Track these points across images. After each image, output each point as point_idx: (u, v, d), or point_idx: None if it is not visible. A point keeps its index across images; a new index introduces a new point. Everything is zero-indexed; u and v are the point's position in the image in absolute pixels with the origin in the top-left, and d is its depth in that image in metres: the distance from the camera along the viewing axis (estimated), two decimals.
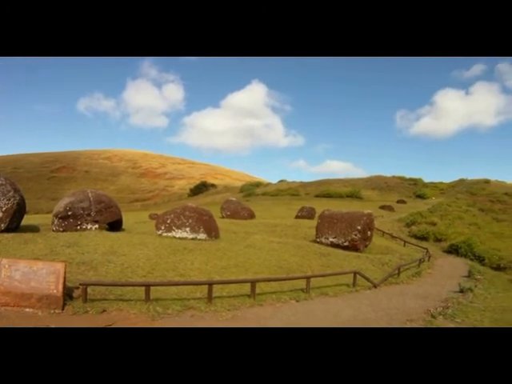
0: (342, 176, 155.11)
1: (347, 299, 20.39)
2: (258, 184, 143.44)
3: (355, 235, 35.40)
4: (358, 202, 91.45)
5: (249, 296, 18.08)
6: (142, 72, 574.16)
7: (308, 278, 20.86)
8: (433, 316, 18.11)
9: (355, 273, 23.96)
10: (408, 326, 16.32)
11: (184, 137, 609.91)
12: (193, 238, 28.12)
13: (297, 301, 18.93)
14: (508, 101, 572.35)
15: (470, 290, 25.35)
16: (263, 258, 25.61)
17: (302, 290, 20.57)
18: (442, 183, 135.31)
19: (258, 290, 18.70)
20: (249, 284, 18.52)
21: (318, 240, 36.68)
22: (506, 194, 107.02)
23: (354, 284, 23.54)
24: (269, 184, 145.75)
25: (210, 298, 16.68)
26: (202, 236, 28.62)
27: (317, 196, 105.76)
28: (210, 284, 17.05)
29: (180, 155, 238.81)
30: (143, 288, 16.09)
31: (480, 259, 43.67)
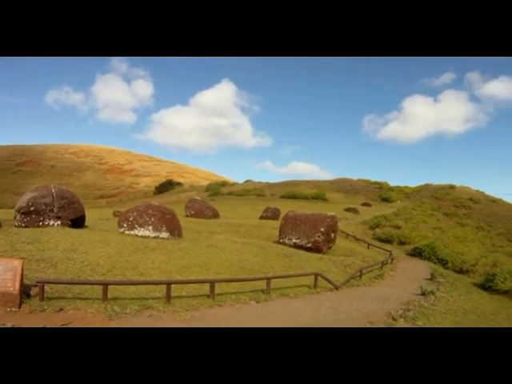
0: (308, 178, 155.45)
1: (308, 301, 20.42)
2: (224, 183, 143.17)
3: (318, 237, 35.46)
4: (323, 204, 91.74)
5: (208, 296, 17.99)
6: (112, 66, 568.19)
7: (268, 279, 20.86)
8: (394, 318, 18.19)
9: (316, 274, 24.02)
10: (368, 327, 16.35)
11: (151, 134, 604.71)
12: (155, 237, 27.87)
13: (257, 302, 18.92)
14: (476, 109, 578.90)
15: (432, 292, 25.58)
16: (225, 258, 25.50)
17: (262, 290, 20.54)
18: (407, 187, 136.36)
19: (218, 291, 18.65)
20: (209, 284, 18.40)
21: (282, 241, 36.69)
22: (470, 199, 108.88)
23: (315, 286, 23.57)
24: (235, 184, 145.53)
25: (168, 297, 16.55)
26: (165, 235, 28.44)
27: (282, 197, 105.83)
28: (169, 284, 16.91)
29: (147, 152, 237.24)
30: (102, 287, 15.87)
31: (443, 262, 44.21)
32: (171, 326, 13.92)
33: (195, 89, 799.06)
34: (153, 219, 28.49)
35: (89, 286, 16.61)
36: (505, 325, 20.08)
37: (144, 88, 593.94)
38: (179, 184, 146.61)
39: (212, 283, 18.22)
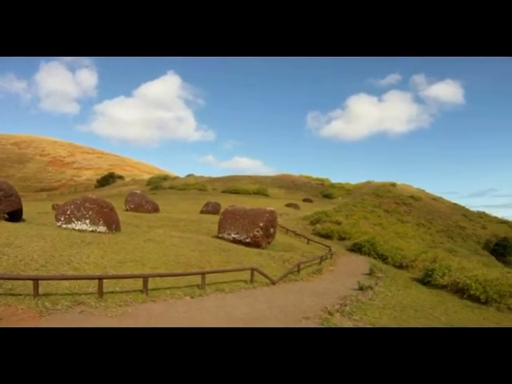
0: (250, 173, 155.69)
1: (243, 296, 20.43)
2: (166, 177, 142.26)
3: (257, 232, 35.53)
4: (264, 200, 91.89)
5: (142, 292, 17.82)
6: None
7: (203, 274, 20.76)
8: (330, 313, 18.30)
9: (252, 269, 24.05)
10: (303, 323, 16.36)
11: (94, 125, 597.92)
12: (92, 231, 27.49)
13: (191, 297, 18.85)
14: (420, 110, 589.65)
15: (370, 287, 25.86)
16: (162, 252, 25.29)
17: (197, 286, 20.47)
18: (349, 184, 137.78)
19: (152, 286, 18.57)
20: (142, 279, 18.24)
21: (221, 236, 36.57)
22: (411, 197, 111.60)
23: (252, 281, 23.60)
24: (176, 178, 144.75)
25: (100, 293, 16.37)
26: (102, 229, 28.07)
27: (224, 192, 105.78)
28: (100, 278, 16.70)
29: (89, 144, 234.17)
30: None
31: (383, 258, 45.02)
32: (102, 321, 13.84)
33: (140, 80, 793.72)
34: (90, 213, 28.05)
35: (21, 282, 16.31)
36: (442, 319, 20.47)
37: (88, 78, 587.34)
38: (121, 177, 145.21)
39: (145, 278, 18.08)
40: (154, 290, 18.46)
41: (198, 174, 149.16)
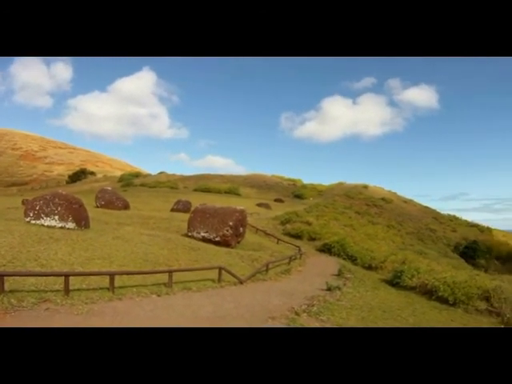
0: (222, 172, 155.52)
1: (210, 295, 20.47)
2: (138, 174, 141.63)
3: (227, 231, 35.51)
4: (235, 199, 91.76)
5: (108, 289, 17.79)
6: None
7: (171, 273, 20.78)
8: (297, 313, 18.40)
9: (220, 268, 24.14)
10: (270, 323, 16.43)
11: (67, 120, 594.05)
12: (61, 227, 27.28)
13: (158, 295, 18.88)
14: (394, 113, 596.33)
15: (338, 288, 25.96)
16: (130, 250, 25.24)
17: (165, 284, 20.52)
18: (321, 185, 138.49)
19: (120, 284, 18.61)
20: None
21: (190, 234, 36.48)
22: (382, 199, 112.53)
23: (220, 280, 23.68)
24: (148, 175, 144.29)
25: (67, 290, 16.36)
26: (71, 225, 27.88)
27: (196, 190, 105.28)
28: (67, 275, 16.69)
29: (62, 139, 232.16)
30: None
31: (352, 259, 45.07)
32: (68, 319, 13.84)
33: (115, 75, 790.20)
34: (59, 208, 27.86)
35: None
36: (410, 320, 20.66)
37: (63, 71, 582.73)
38: (92, 173, 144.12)
39: (112, 276, 18.07)
40: (120, 287, 18.48)
41: (170, 171, 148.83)
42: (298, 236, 54.41)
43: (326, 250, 48.04)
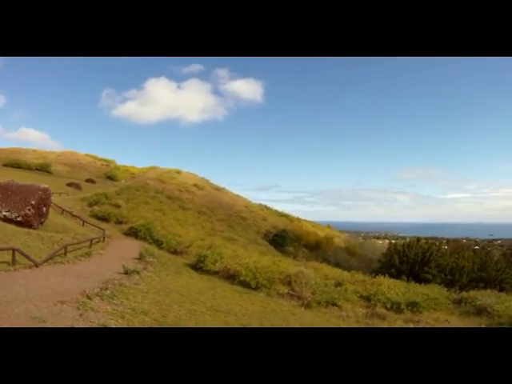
0: (36, 147, 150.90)
1: (1, 278, 19.90)
2: None
3: (29, 210, 34.28)
4: (47, 177, 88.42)
5: None
6: None
7: None
8: (88, 297, 18.34)
9: (14, 249, 23.35)
10: (58, 307, 16.36)
11: None
12: None
13: None
14: (217, 102, 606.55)
15: (136, 272, 26.07)
16: None
17: None
18: (134, 168, 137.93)
19: None
20: None
21: None
22: (195, 185, 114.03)
23: (14, 262, 22.81)
24: None
25: None
26: None
27: (5, 165, 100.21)
28: None
29: None
30: None
31: (158, 243, 45.65)
32: None
33: None
34: None
35: None
36: (208, 303, 21.27)
37: None
38: None
39: None
40: None
41: None
42: (105, 219, 54.19)
43: (133, 233, 48.30)
